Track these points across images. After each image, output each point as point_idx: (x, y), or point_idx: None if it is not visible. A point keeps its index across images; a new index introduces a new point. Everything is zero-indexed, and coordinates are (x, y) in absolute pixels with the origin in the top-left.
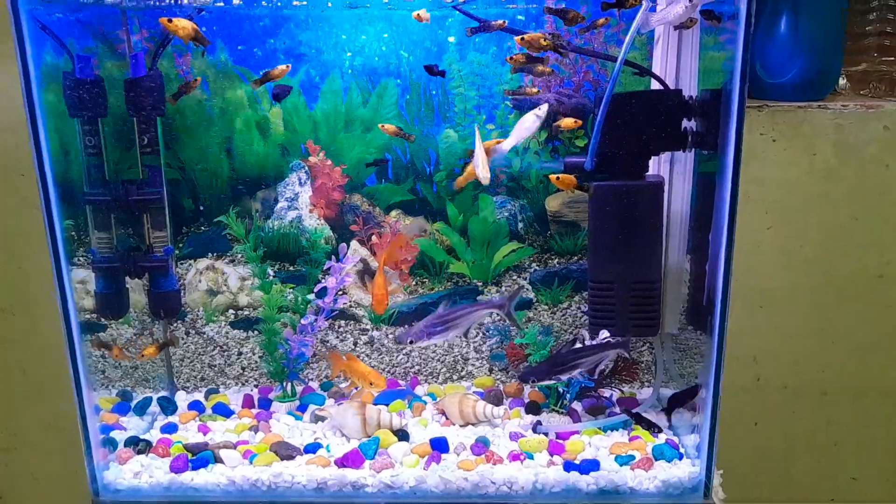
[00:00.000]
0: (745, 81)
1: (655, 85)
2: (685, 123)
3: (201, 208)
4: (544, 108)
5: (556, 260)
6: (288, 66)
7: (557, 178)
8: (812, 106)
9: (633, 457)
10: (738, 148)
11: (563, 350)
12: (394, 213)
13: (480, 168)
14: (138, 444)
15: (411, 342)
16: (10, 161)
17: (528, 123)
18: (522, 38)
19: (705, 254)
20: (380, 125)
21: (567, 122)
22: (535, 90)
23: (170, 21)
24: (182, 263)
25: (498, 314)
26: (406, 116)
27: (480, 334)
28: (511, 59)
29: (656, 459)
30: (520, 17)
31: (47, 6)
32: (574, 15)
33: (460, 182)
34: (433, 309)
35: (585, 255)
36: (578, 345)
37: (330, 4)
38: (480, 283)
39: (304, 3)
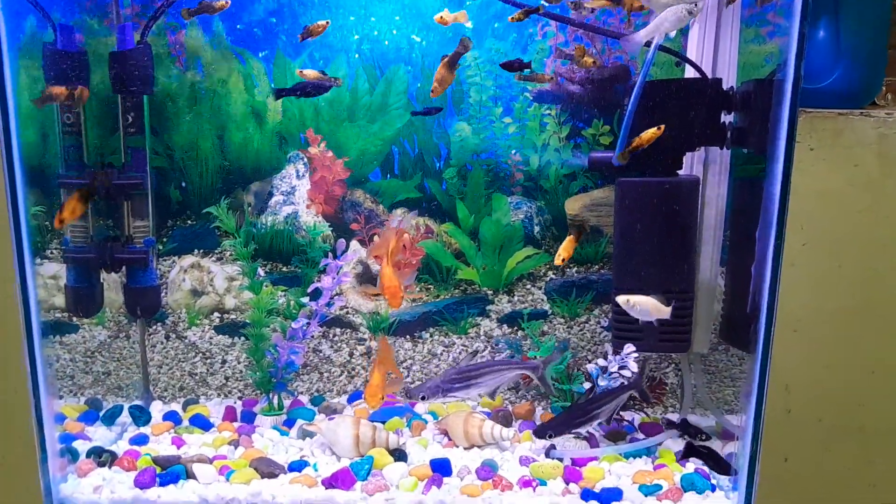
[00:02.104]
0: (801, 61)
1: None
2: (724, 117)
3: (184, 193)
4: (700, 5)
5: (575, 268)
6: (327, 22)
7: (563, 259)
8: (854, 113)
9: (659, 486)
10: (791, 139)
11: (581, 401)
12: (399, 211)
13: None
14: (101, 456)
15: (423, 398)
16: None
17: (672, 14)
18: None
19: (742, 265)
20: (298, 70)
21: (648, 134)
22: (548, 76)
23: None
24: (165, 260)
25: (530, 374)
26: (417, 106)
27: (489, 348)
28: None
29: (685, 490)
30: (543, 1)
31: None
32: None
33: None
34: (437, 318)
35: (608, 264)
36: (602, 367)
37: None
38: (491, 292)
39: None
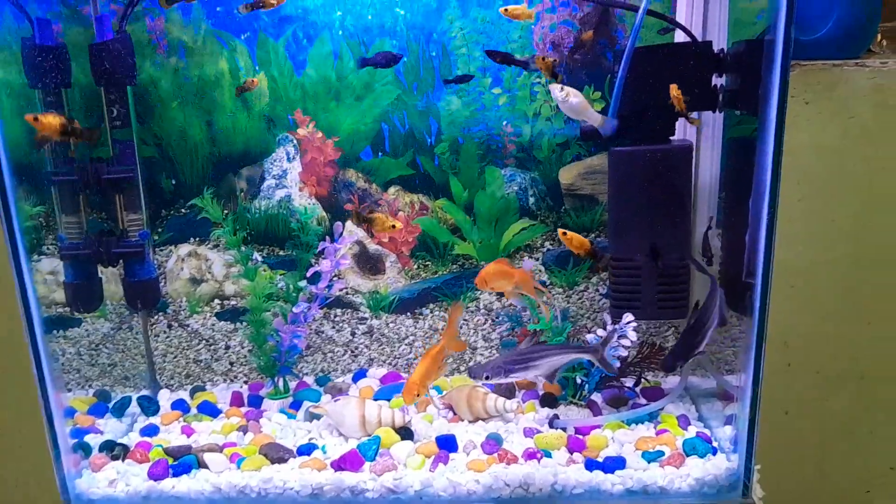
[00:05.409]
0: (792, 22)
1: (680, 40)
2: (715, 80)
3: (174, 183)
4: None
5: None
6: None
7: (565, 233)
8: (848, 64)
9: (661, 453)
10: (783, 101)
11: (692, 320)
12: (392, 189)
13: None
14: (113, 449)
15: (487, 377)
16: None
17: None
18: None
19: (738, 227)
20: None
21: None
22: (550, 60)
23: (35, 119)
24: (162, 250)
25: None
26: (404, 81)
27: (489, 321)
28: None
29: (688, 455)
30: None
31: None
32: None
33: None
34: (436, 295)
35: (604, 232)
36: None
37: None
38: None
39: None
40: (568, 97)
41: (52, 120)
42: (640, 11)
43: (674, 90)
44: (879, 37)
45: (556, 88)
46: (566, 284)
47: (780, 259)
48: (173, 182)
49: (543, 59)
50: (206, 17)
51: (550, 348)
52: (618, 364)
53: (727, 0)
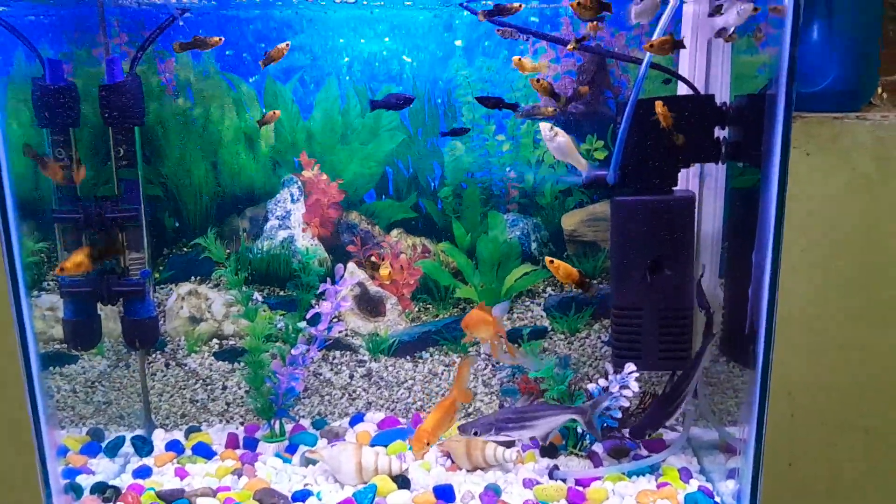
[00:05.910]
0: (793, 79)
1: (682, 92)
2: (718, 132)
3: (177, 223)
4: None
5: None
6: (287, 44)
7: (552, 261)
8: (849, 117)
9: None
10: (785, 156)
11: (667, 389)
12: (395, 232)
13: None
14: (105, 492)
15: (476, 433)
16: None
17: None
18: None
19: (741, 278)
20: None
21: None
22: (550, 109)
23: (63, 269)
24: (162, 288)
25: (579, 420)
26: (409, 126)
27: (489, 366)
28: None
29: None
30: (533, 18)
31: (16, 5)
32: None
33: None
34: (436, 338)
35: (607, 279)
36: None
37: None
38: None
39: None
40: (556, 136)
41: (78, 260)
42: (643, 65)
43: (659, 107)
44: (880, 89)
45: (545, 128)
46: (568, 331)
47: (784, 309)
48: (176, 224)
49: (539, 81)
50: (216, 59)
51: (544, 409)
52: (619, 414)
53: (729, 54)
